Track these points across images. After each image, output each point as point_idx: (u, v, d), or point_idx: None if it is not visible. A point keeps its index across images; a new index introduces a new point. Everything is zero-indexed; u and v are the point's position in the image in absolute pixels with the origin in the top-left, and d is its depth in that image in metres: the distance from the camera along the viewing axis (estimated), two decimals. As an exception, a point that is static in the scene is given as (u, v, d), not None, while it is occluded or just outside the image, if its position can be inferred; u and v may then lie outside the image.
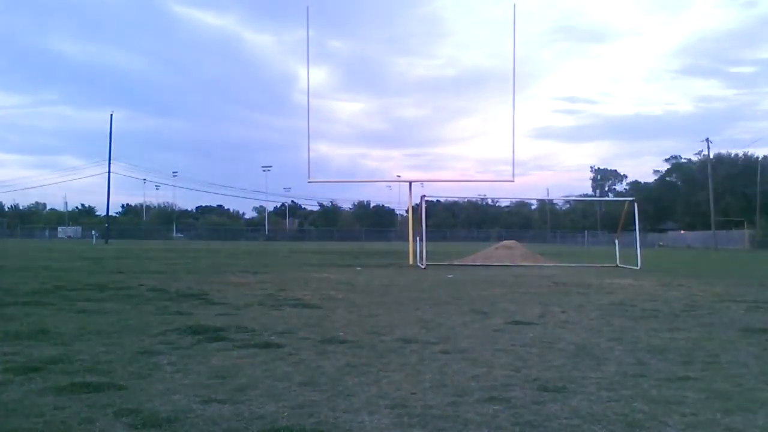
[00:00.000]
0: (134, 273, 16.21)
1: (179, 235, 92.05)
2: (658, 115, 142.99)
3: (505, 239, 36.35)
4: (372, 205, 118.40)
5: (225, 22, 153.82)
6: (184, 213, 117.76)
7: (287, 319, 7.72)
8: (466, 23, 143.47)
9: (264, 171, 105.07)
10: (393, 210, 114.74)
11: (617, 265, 22.96)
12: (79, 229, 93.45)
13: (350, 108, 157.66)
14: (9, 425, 3.40)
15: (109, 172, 61.49)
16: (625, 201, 30.72)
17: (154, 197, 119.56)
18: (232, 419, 3.57)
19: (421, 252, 22.15)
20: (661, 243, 71.68)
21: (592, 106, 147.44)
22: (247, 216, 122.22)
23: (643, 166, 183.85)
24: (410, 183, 27.31)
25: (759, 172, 67.47)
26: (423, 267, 21.01)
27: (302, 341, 6.11)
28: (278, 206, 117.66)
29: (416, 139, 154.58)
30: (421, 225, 22.98)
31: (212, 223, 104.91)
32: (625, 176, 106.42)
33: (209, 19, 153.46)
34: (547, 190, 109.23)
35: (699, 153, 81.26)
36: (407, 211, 31.26)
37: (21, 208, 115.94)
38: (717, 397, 4.17)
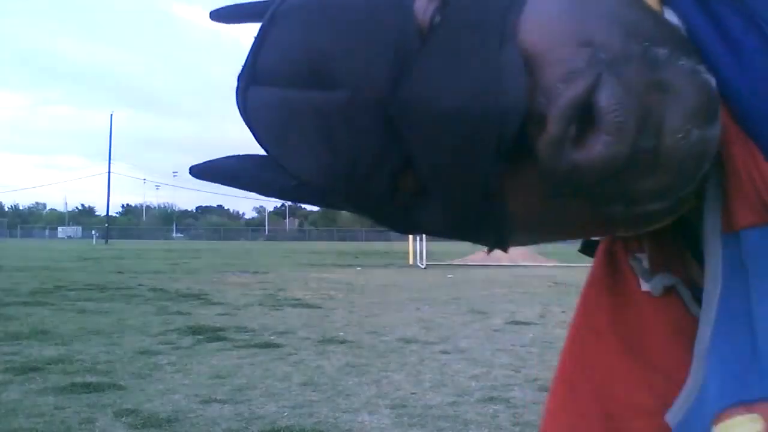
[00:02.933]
0: (134, 273, 16.21)
1: (179, 235, 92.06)
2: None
3: (505, 239, 36.27)
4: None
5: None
6: (184, 213, 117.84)
7: (287, 319, 7.72)
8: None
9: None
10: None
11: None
12: (79, 229, 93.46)
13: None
14: (9, 425, 3.40)
15: (109, 172, 61.55)
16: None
17: (154, 197, 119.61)
18: (232, 419, 3.58)
19: (420, 252, 22.16)
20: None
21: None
22: (247, 216, 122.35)
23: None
24: (410, 183, 27.25)
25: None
26: (423, 267, 21.03)
27: (302, 341, 6.11)
28: (278, 206, 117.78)
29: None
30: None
31: (212, 223, 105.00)
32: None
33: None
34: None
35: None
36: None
37: (21, 208, 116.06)
38: (717, 397, 4.17)
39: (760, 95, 0.37)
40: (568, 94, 0.34)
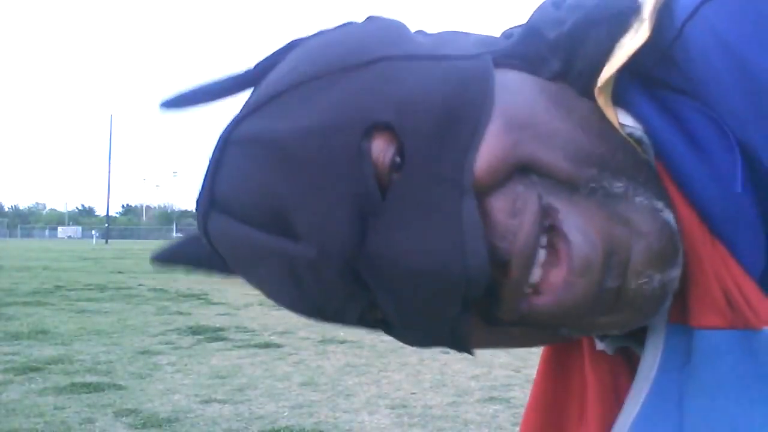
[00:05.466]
0: (134, 273, 16.21)
1: (179, 235, 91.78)
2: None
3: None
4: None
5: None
6: (184, 213, 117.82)
7: (287, 319, 7.72)
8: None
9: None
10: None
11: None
12: (79, 229, 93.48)
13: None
14: (9, 425, 3.40)
15: (109, 172, 61.53)
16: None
17: (154, 197, 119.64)
18: (232, 419, 3.58)
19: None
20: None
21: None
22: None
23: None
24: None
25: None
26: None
27: (302, 341, 6.12)
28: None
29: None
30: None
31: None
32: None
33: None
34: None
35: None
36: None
37: (21, 208, 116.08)
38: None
39: (731, 201, 0.35)
40: (521, 236, 0.34)
